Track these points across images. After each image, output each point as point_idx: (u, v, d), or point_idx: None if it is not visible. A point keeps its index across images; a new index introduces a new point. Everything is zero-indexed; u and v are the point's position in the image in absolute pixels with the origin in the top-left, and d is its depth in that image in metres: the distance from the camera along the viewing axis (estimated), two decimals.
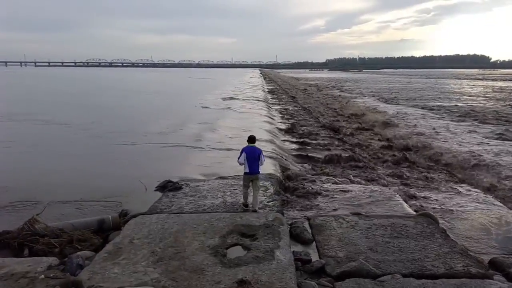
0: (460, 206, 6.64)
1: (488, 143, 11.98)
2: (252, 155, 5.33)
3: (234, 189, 6.38)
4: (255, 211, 5.40)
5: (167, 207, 5.61)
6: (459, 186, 8.01)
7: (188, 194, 6.20)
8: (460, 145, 11.74)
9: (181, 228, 4.71)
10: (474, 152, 10.67)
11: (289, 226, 5.04)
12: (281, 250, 4.14)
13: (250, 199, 5.54)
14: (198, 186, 6.63)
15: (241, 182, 5.68)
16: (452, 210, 6.40)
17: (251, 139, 5.44)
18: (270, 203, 5.77)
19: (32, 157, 9.05)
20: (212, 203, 5.75)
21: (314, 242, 4.73)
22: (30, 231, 4.51)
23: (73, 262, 3.86)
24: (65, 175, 7.53)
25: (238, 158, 5.42)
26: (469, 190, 7.71)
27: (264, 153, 5.65)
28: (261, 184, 5.97)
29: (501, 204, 6.84)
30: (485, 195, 7.38)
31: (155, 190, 6.52)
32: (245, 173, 5.43)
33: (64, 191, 6.44)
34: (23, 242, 4.40)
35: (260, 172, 5.53)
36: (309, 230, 5.03)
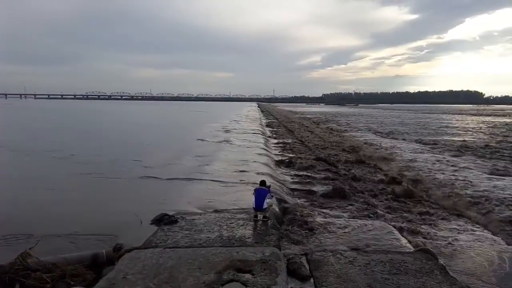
0: (459, 242, 6.58)
1: (485, 178, 12.03)
2: (258, 195, 6.33)
3: (230, 223, 6.31)
4: (265, 217, 6.39)
5: (162, 241, 5.53)
6: (457, 221, 7.96)
7: (184, 227, 6.12)
8: (457, 179, 11.78)
9: (176, 263, 4.63)
10: (472, 186, 10.72)
11: (286, 262, 4.96)
12: (278, 286, 4.06)
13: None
14: (194, 219, 6.55)
15: (238, 216, 6.57)
16: (451, 245, 6.34)
17: (261, 183, 6.57)
18: (267, 238, 5.70)
19: (27, 190, 8.97)
20: (208, 237, 5.67)
21: (311, 278, 4.63)
22: (22, 266, 4.41)
23: None
24: (60, 208, 7.44)
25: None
26: (467, 225, 7.66)
27: None
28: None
29: (500, 240, 6.79)
30: (483, 231, 7.33)
31: (150, 224, 6.43)
32: (252, 207, 6.43)
33: (59, 224, 6.35)
34: (15, 277, 4.30)
35: (265, 207, 6.39)
36: (307, 266, 4.94)
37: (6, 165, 12.49)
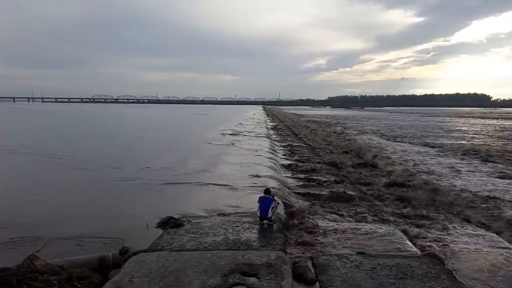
0: (466, 246, 6.51)
1: (492, 182, 11.92)
2: (263, 203, 6.28)
3: (236, 226, 6.32)
4: (271, 221, 6.26)
5: (168, 244, 5.54)
6: (464, 225, 7.89)
7: (190, 231, 6.13)
8: (463, 183, 11.69)
9: (182, 266, 4.64)
10: (478, 190, 10.62)
11: (291, 265, 4.94)
12: None
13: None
14: (200, 222, 6.56)
15: (243, 219, 6.56)
16: (457, 250, 6.28)
17: (266, 191, 6.51)
18: (272, 241, 5.70)
19: (34, 193, 9.04)
20: (213, 240, 5.68)
21: (317, 282, 4.61)
22: (29, 268, 4.45)
23: None
24: (66, 211, 7.50)
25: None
26: (474, 230, 7.58)
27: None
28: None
29: (508, 244, 6.71)
30: (491, 235, 7.25)
31: (156, 227, 6.45)
32: (257, 216, 6.36)
33: (65, 227, 6.39)
34: (22, 279, 4.33)
35: (269, 215, 6.31)
36: (312, 270, 4.92)
37: (18, 169, 12.62)
